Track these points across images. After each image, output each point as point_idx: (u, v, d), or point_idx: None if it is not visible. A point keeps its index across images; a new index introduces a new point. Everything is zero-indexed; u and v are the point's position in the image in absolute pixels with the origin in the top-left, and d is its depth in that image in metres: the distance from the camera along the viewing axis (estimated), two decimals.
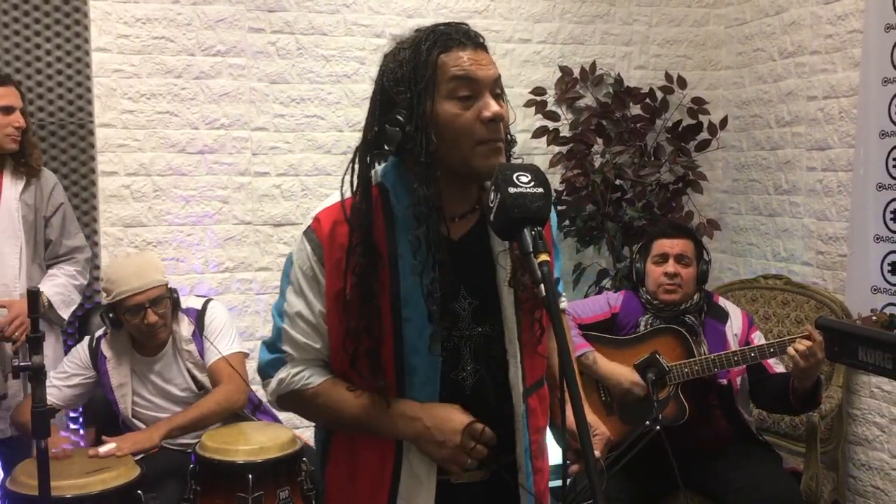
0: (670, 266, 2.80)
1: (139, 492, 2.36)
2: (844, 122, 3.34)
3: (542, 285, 1.22)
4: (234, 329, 2.87)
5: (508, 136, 1.51)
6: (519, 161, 1.47)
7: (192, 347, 2.77)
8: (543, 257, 1.25)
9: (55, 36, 3.20)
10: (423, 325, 1.45)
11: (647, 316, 2.86)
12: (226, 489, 2.41)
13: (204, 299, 2.90)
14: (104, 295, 2.72)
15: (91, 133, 3.29)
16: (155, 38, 3.35)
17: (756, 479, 2.63)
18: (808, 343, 2.46)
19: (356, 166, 1.47)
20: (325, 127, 3.59)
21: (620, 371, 2.75)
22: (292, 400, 1.54)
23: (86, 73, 3.26)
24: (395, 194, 1.48)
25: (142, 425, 2.73)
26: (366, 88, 3.62)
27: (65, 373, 2.76)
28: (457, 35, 1.44)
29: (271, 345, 1.55)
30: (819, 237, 3.48)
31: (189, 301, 2.88)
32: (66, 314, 2.81)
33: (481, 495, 1.55)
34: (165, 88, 3.38)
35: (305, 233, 1.50)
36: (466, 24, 1.49)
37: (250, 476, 2.37)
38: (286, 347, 1.52)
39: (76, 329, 3.20)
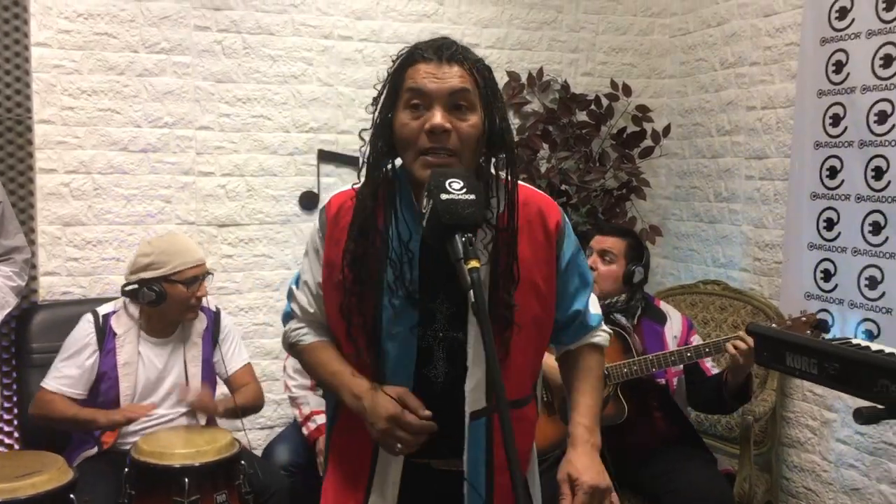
0: (591, 261, 2.86)
1: (71, 496, 2.32)
2: (781, 132, 3.43)
3: (471, 292, 1.24)
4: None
5: (473, 147, 1.53)
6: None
7: (199, 343, 2.86)
8: (474, 263, 1.26)
9: None
10: (399, 316, 1.55)
11: None
12: (161, 493, 2.38)
13: (213, 303, 3.01)
14: (146, 270, 2.73)
15: (29, 129, 3.21)
16: (97, 33, 3.30)
17: (691, 481, 2.69)
18: (750, 341, 2.53)
19: (368, 156, 1.58)
20: (271, 127, 3.57)
21: (549, 361, 2.77)
22: (293, 350, 1.76)
23: (25, 69, 3.19)
24: (400, 190, 1.58)
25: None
26: (313, 89, 3.61)
27: (76, 355, 2.72)
28: (425, 49, 1.53)
29: (288, 296, 1.75)
30: (756, 244, 3.57)
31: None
32: None
33: (456, 486, 1.60)
34: (107, 85, 3.32)
35: (320, 210, 1.67)
36: (448, 39, 1.56)
37: (186, 480, 2.35)
38: (293, 306, 1.73)
39: (12, 330, 3.13)
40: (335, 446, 1.73)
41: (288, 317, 1.76)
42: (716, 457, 2.99)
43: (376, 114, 1.56)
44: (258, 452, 3.38)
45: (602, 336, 1.77)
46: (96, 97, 3.32)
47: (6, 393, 3.06)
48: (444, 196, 1.32)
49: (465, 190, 1.34)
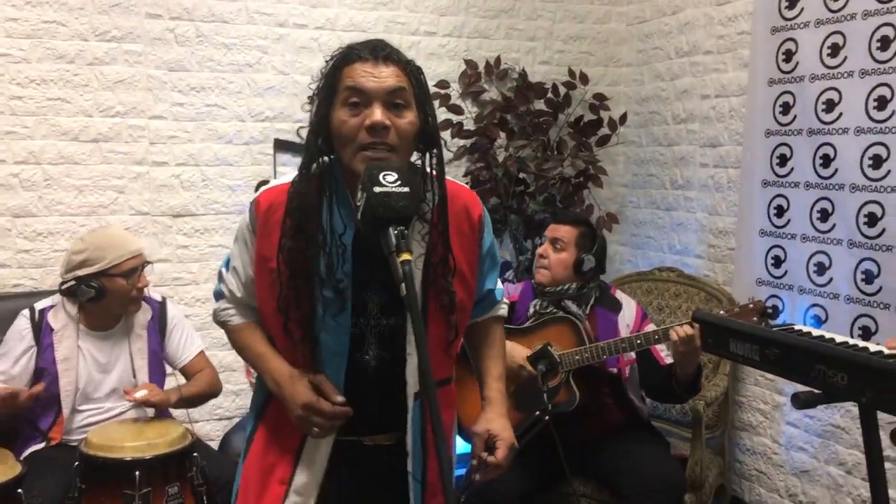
0: (542, 249, 2.94)
1: (19, 490, 2.29)
2: (734, 120, 3.47)
3: (402, 284, 1.24)
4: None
5: (415, 144, 1.61)
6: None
7: (144, 334, 2.81)
8: (405, 256, 1.28)
9: None
10: (332, 307, 1.61)
11: (535, 300, 2.94)
12: (112, 486, 2.36)
13: (158, 293, 2.97)
14: (82, 268, 2.68)
15: None
16: (45, 21, 3.24)
17: (643, 465, 2.72)
18: (689, 330, 2.55)
19: (305, 152, 1.62)
20: (226, 116, 3.53)
21: (515, 352, 2.79)
22: (222, 328, 1.83)
23: None
24: (335, 184, 1.62)
25: (83, 404, 2.72)
26: (268, 78, 3.58)
27: (10, 352, 2.68)
28: (361, 49, 1.58)
29: (218, 277, 1.82)
30: (710, 231, 3.61)
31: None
32: None
33: (385, 458, 1.72)
34: (57, 74, 3.27)
35: (250, 204, 1.70)
36: (382, 41, 1.61)
37: (137, 473, 2.33)
38: (222, 287, 1.79)
39: None
40: (267, 424, 1.78)
41: (218, 295, 1.83)
42: (669, 441, 3.04)
43: (313, 112, 1.60)
44: (216, 443, 3.37)
45: (504, 308, 1.95)
46: (45, 86, 3.26)
47: None
48: (377, 189, 1.34)
49: (398, 182, 1.35)
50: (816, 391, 1.72)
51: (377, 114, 1.52)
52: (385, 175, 1.36)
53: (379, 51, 1.57)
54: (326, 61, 1.62)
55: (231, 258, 1.77)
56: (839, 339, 1.76)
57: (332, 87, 1.58)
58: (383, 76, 1.54)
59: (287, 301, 1.61)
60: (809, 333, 1.83)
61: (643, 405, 3.02)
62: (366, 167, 1.40)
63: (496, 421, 1.76)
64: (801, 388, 1.73)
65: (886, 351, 1.65)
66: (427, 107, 1.61)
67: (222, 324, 1.83)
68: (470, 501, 2.67)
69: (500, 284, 1.93)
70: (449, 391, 1.82)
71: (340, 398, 1.63)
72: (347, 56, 1.58)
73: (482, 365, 1.88)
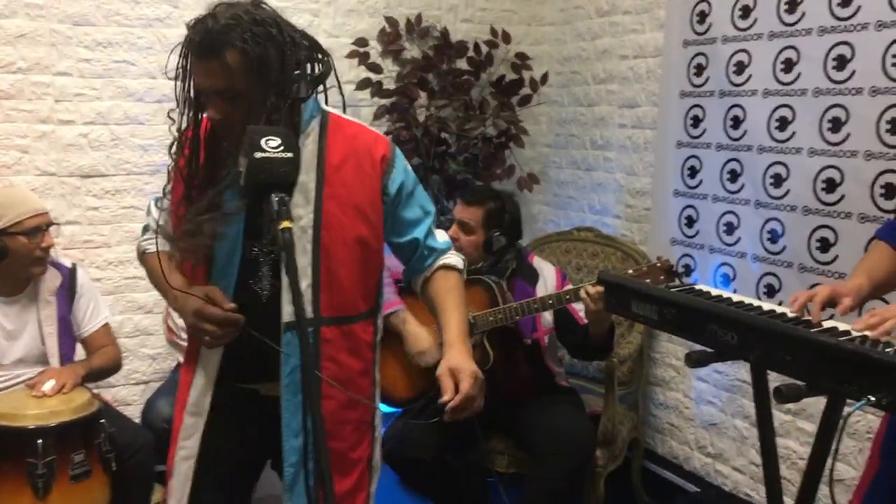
0: (452, 231, 2.91)
1: None
2: (651, 81, 3.50)
3: (282, 252, 1.23)
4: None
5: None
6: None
7: (53, 300, 2.73)
8: (286, 224, 1.26)
9: None
10: (228, 221, 1.64)
11: None
12: (14, 455, 2.31)
13: (68, 259, 2.90)
14: None
15: None
16: None
17: (556, 423, 2.79)
18: (599, 288, 2.59)
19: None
20: (136, 73, 3.41)
21: (421, 336, 2.83)
22: (141, 260, 1.92)
23: None
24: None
25: None
26: (180, 33, 3.42)
27: None
28: (191, 42, 1.57)
29: (147, 211, 1.91)
30: (628, 191, 3.66)
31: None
32: None
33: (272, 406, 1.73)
34: None
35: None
36: (207, 24, 1.55)
37: (40, 441, 2.28)
38: (150, 220, 1.87)
39: None
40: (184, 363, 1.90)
41: (144, 230, 1.92)
42: (585, 398, 3.10)
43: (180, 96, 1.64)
44: (135, 408, 3.32)
45: (453, 258, 1.91)
46: None
47: None
48: (258, 154, 1.31)
49: (282, 148, 1.32)
50: (709, 350, 1.78)
51: (211, 111, 1.58)
52: (268, 140, 1.33)
53: (203, 46, 1.53)
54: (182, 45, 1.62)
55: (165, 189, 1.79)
56: (735, 299, 1.82)
57: (188, 75, 1.61)
58: (210, 75, 1.54)
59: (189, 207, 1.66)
60: (708, 293, 1.88)
61: (560, 369, 3.07)
62: (247, 131, 1.37)
63: (455, 358, 1.73)
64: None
65: (778, 310, 1.71)
66: (268, 83, 1.54)
67: (142, 254, 1.89)
68: (387, 458, 2.69)
69: (443, 237, 1.93)
70: (351, 331, 1.77)
71: (231, 304, 1.66)
72: (187, 45, 1.59)
73: (439, 318, 1.87)
